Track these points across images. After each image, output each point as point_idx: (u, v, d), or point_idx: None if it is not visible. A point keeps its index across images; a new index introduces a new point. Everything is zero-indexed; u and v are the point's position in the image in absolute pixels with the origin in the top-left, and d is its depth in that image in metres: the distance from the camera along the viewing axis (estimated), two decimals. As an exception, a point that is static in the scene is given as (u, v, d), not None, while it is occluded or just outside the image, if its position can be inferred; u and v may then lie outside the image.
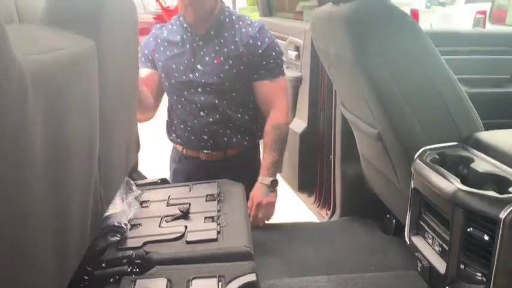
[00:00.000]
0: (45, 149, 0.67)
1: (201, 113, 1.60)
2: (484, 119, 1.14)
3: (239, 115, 1.61)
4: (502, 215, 0.76)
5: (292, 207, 2.26)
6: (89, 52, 0.87)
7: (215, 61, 1.55)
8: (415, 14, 7.40)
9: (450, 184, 0.86)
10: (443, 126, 1.09)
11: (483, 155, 0.96)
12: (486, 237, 0.79)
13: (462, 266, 0.84)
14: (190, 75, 1.57)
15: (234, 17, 1.59)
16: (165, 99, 1.74)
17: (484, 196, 0.80)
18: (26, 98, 0.59)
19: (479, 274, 0.81)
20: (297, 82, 1.99)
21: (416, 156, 1.05)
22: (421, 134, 1.10)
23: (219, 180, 1.51)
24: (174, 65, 1.58)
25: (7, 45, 0.54)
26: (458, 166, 0.98)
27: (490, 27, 2.26)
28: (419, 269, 0.97)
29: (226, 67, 1.55)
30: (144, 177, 1.76)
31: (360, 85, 1.19)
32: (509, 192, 0.80)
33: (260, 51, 1.55)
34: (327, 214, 2.03)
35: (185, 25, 1.58)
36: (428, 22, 10.55)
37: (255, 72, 1.58)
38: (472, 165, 0.94)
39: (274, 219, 1.74)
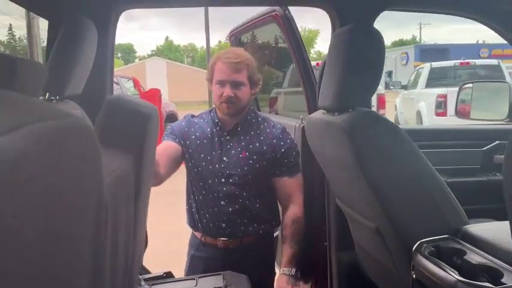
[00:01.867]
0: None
1: (222, 202, 1.74)
2: (463, 205, 1.30)
3: (257, 205, 1.77)
4: (499, 305, 0.88)
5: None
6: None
7: (240, 155, 1.74)
8: (381, 98, 7.94)
9: (450, 276, 0.99)
10: (433, 220, 1.24)
11: (473, 248, 1.10)
12: (488, 325, 0.90)
13: None
14: (217, 165, 1.74)
15: (259, 118, 1.83)
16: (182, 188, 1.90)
17: (481, 287, 0.92)
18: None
19: None
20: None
21: (414, 249, 1.18)
22: (416, 228, 1.24)
23: (223, 273, 1.58)
24: (202, 155, 1.75)
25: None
26: (452, 257, 1.11)
27: (457, 120, 2.53)
28: None
29: (250, 161, 1.73)
30: (148, 272, 1.81)
31: (358, 184, 1.34)
32: (502, 283, 0.93)
33: (283, 150, 1.76)
34: (323, 301, 2.09)
35: (216, 120, 1.79)
36: (393, 103, 11.30)
37: (277, 168, 1.77)
38: (465, 257, 1.07)
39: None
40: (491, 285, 0.92)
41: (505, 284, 0.92)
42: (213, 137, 1.77)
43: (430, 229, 1.22)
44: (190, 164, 1.79)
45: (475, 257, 1.06)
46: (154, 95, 9.34)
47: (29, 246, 0.32)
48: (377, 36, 1.32)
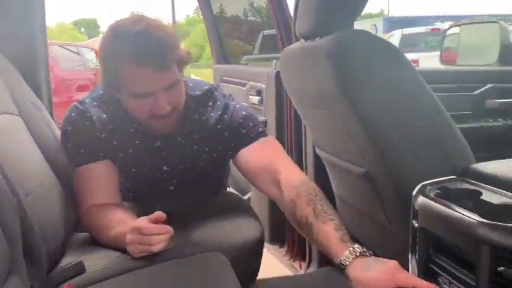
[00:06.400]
0: None
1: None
2: None
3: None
4: (539, 249, 0.67)
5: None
6: None
7: (189, 151, 1.25)
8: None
9: (470, 219, 0.78)
10: (437, 160, 1.03)
11: (490, 187, 0.90)
12: (521, 276, 0.70)
13: (494, 312, 0.74)
14: (157, 175, 1.26)
15: (198, 92, 1.26)
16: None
17: (514, 229, 0.72)
18: None
19: (516, 319, 0.71)
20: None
21: (416, 192, 0.96)
22: (415, 170, 1.03)
23: None
24: (134, 169, 1.24)
25: None
26: (464, 200, 0.91)
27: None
28: (438, 319, 0.86)
29: (205, 155, 1.26)
30: None
31: (345, 121, 1.11)
32: (537, 224, 0.73)
33: (239, 121, 1.24)
34: (300, 266, 1.90)
35: (135, 125, 1.21)
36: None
37: (237, 141, 1.23)
38: (482, 197, 0.86)
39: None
40: (526, 226, 0.72)
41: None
42: (142, 144, 1.22)
43: (431, 170, 1.01)
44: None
45: (494, 196, 0.86)
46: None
47: None
48: None
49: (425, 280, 0.93)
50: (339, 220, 1.02)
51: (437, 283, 0.89)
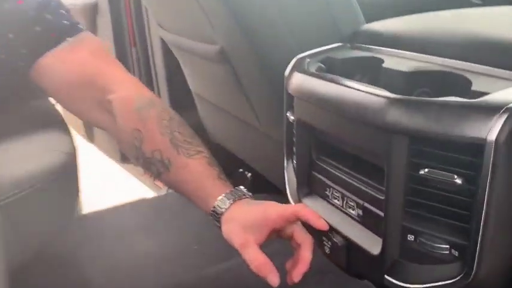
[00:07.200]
0: None
1: None
2: None
3: None
4: (491, 135, 0.40)
5: (117, 184, 1.75)
6: None
7: None
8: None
9: (376, 97, 0.47)
10: (318, 25, 0.71)
11: (393, 50, 0.61)
12: (458, 180, 0.42)
13: (411, 237, 0.48)
14: None
15: None
16: None
17: (450, 105, 0.43)
18: None
19: (446, 246, 0.46)
20: (92, 11, 1.42)
21: (289, 69, 0.64)
22: (288, 41, 0.70)
23: None
24: None
25: None
26: (354, 74, 0.61)
27: None
28: (327, 251, 0.59)
29: None
30: None
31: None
32: (476, 94, 0.45)
33: (26, 19, 0.75)
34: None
35: None
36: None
37: (28, 46, 0.77)
38: (385, 66, 0.57)
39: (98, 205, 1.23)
40: (463, 100, 0.44)
41: (486, 92, 0.44)
42: None
43: (312, 41, 0.69)
44: None
45: (402, 62, 0.57)
46: None
47: None
48: None
49: (308, 194, 0.65)
50: (208, 152, 0.69)
51: (324, 196, 0.61)
